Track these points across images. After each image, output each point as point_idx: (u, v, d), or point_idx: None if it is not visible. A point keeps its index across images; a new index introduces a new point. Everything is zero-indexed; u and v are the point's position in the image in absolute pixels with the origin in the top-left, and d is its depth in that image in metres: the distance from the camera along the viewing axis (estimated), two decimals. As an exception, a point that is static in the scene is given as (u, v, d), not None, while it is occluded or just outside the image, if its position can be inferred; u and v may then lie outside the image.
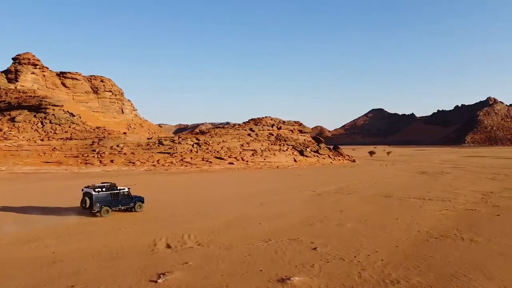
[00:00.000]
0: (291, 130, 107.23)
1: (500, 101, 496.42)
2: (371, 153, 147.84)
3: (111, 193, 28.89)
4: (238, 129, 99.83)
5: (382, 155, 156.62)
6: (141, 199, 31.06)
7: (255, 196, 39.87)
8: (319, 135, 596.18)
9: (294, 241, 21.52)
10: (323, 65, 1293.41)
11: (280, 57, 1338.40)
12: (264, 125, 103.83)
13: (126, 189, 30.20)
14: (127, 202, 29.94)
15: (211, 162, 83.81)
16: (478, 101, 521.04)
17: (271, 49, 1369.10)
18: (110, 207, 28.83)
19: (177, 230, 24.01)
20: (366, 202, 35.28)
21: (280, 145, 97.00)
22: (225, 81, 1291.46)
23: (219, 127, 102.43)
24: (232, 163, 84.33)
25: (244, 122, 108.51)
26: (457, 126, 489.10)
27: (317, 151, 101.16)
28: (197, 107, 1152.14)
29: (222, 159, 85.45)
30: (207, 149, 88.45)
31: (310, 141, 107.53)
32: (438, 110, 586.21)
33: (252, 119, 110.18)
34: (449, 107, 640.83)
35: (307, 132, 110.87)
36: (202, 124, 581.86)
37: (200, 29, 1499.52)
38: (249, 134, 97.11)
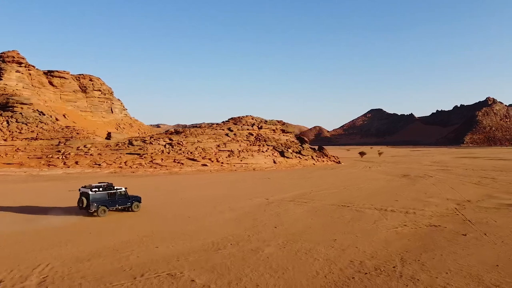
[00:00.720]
0: (273, 130, 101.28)
1: (499, 101, 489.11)
2: (362, 153, 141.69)
3: (108, 192, 28.53)
4: (216, 129, 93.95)
5: (373, 156, 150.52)
6: (138, 199, 30.71)
7: (194, 205, 34.05)
8: (318, 135, 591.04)
9: (171, 277, 15.62)
10: (323, 65, 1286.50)
11: (280, 58, 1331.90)
12: (244, 125, 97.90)
13: (123, 189, 29.78)
14: (124, 202, 29.61)
15: (182, 163, 78.04)
16: (477, 102, 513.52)
17: (270, 50, 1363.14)
18: (107, 207, 28.47)
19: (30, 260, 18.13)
20: (315, 214, 29.37)
21: (259, 145, 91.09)
22: (225, 81, 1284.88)
23: (196, 126, 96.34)
24: (206, 165, 78.51)
25: (223, 121, 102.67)
26: (456, 126, 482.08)
27: (299, 152, 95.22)
28: (197, 107, 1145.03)
29: (195, 160, 79.64)
30: (180, 149, 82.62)
31: (293, 141, 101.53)
32: (437, 110, 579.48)
33: (231, 118, 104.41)
34: (448, 107, 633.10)
35: (290, 132, 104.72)
36: (201, 123, 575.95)
37: (201, 28, 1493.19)
38: (227, 134, 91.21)
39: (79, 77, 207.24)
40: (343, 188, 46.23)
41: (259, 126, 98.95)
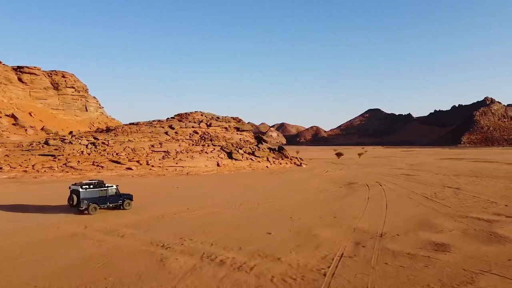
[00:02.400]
0: (225, 128, 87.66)
1: (498, 101, 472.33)
2: (339, 154, 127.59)
3: (99, 190, 27.97)
4: (155, 126, 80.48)
5: (353, 156, 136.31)
6: (130, 197, 30.09)
7: None
8: (315, 135, 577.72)
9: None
10: (321, 65, 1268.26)
11: (278, 58, 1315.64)
12: (190, 122, 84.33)
13: (115, 187, 29.26)
14: (115, 200, 29.07)
15: (102, 167, 64.61)
16: (475, 101, 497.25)
17: (269, 50, 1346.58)
18: (98, 205, 27.92)
19: None
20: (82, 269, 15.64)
21: (204, 145, 77.59)
22: (223, 81, 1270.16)
23: (133, 124, 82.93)
24: (130, 168, 65.10)
25: (168, 118, 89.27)
26: (454, 126, 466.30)
27: (252, 153, 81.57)
28: (196, 107, 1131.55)
29: (119, 163, 66.23)
30: (104, 150, 69.17)
31: (247, 141, 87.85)
32: (435, 110, 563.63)
33: (178, 114, 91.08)
34: (447, 107, 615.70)
35: (246, 130, 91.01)
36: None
37: (198, 28, 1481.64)
38: (166, 133, 77.73)
39: (51, 74, 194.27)
40: (239, 205, 32.74)
41: (208, 124, 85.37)
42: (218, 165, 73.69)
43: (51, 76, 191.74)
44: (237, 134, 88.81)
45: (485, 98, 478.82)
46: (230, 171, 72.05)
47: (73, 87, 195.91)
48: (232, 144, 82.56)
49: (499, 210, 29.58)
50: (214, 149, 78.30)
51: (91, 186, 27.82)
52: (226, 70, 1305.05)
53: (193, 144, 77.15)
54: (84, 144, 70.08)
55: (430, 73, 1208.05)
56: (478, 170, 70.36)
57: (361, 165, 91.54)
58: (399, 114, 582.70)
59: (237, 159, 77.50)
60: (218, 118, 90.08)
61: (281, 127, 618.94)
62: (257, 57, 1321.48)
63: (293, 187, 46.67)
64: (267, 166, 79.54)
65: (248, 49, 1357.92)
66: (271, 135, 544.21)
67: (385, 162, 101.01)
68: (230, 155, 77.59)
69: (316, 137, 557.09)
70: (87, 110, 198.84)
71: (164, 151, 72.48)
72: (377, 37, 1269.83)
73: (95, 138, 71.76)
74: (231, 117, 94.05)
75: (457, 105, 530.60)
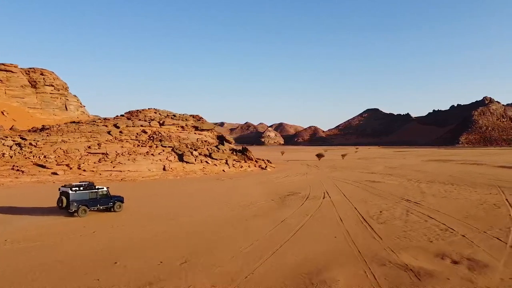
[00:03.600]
0: (182, 127, 77.83)
1: (497, 101, 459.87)
2: (319, 156, 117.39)
3: (89, 192, 27.39)
4: (97, 125, 70.66)
5: (337, 158, 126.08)
6: (120, 199, 29.46)
7: None
8: (313, 136, 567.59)
9: None
10: (320, 65, 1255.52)
11: (277, 58, 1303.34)
12: (140, 120, 74.50)
13: (105, 188, 28.62)
14: (105, 202, 28.40)
15: (23, 171, 55.09)
16: (474, 101, 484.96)
17: (267, 51, 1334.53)
18: (88, 207, 27.29)
19: None
20: None
21: (151, 147, 67.74)
22: (222, 81, 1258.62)
23: (74, 122, 73.12)
24: (56, 173, 55.46)
25: (116, 116, 79.53)
26: (452, 126, 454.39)
27: (209, 155, 71.64)
28: (191, 108, 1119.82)
29: (45, 167, 56.50)
30: (31, 152, 59.43)
31: (205, 141, 77.94)
32: (433, 110, 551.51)
33: (128, 112, 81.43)
34: (445, 107, 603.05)
35: (207, 130, 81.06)
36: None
37: (196, 28, 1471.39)
38: (109, 132, 67.87)
39: (29, 71, 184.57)
40: (92, 232, 22.70)
41: (161, 122, 75.52)
42: (164, 169, 63.91)
43: (29, 74, 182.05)
44: (195, 133, 78.94)
45: (484, 97, 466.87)
46: (177, 176, 62.26)
47: (52, 85, 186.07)
48: (186, 145, 72.72)
49: (448, 247, 19.68)
50: (163, 150, 68.49)
51: (81, 188, 27.05)
52: (225, 71, 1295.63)
53: (138, 145, 67.35)
54: (8, 145, 60.34)
55: (429, 73, 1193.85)
56: (459, 176, 60.19)
57: (334, 168, 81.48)
58: (397, 114, 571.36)
59: (188, 162, 67.68)
60: (174, 116, 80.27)
61: (279, 127, 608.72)
62: (256, 57, 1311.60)
63: (218, 199, 36.92)
64: (223, 170, 69.61)
65: (247, 49, 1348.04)
66: (268, 135, 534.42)
67: (364, 165, 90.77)
68: (181, 158, 67.72)
69: (314, 137, 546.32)
70: (67, 109, 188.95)
71: (103, 153, 62.73)
72: (376, 37, 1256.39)
73: (22, 138, 62.09)
74: (191, 115, 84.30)
75: (455, 105, 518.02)
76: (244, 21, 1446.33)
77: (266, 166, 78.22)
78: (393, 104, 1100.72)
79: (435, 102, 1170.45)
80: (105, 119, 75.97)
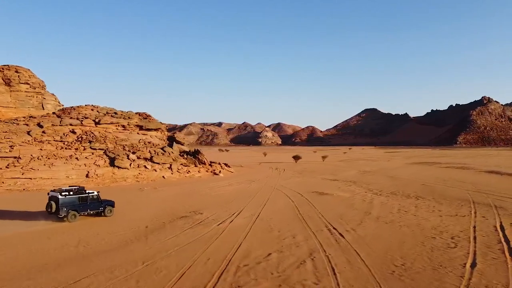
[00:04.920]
0: (123, 126, 67.19)
1: (495, 101, 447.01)
2: (296, 157, 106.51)
3: (79, 197, 26.53)
4: (17, 124, 60.17)
5: (318, 160, 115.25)
6: (111, 203, 28.75)
7: None
8: (310, 136, 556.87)
9: None
10: (317, 65, 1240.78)
11: (272, 58, 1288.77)
12: (72, 118, 63.90)
13: (95, 193, 27.78)
14: (96, 206, 27.66)
15: None
16: (472, 101, 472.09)
17: (265, 51, 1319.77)
18: (78, 212, 26.48)
19: None
20: None
21: (77, 149, 57.14)
22: (219, 82, 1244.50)
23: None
24: None
25: (48, 114, 68.98)
26: (450, 126, 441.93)
27: (150, 159, 60.98)
28: (187, 108, 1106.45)
29: None
30: None
31: (150, 142, 67.28)
32: (432, 110, 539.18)
33: (61, 109, 71.15)
34: (444, 107, 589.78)
35: (153, 129, 70.36)
36: (191, 124, 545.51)
37: (193, 28, 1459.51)
38: (28, 132, 57.31)
39: (3, 69, 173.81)
40: None
41: (97, 121, 64.88)
42: (87, 176, 53.28)
43: (3, 71, 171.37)
44: (139, 134, 68.26)
45: (482, 97, 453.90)
46: (102, 184, 51.76)
47: (28, 83, 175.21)
48: (123, 147, 62.09)
49: None
50: (92, 153, 57.90)
51: (71, 193, 26.21)
52: (223, 71, 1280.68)
53: (62, 148, 56.79)
54: None
55: (427, 73, 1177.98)
56: (433, 184, 49.55)
57: (300, 173, 70.96)
58: (396, 114, 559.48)
59: (121, 167, 57.08)
60: (115, 113, 69.63)
61: (277, 127, 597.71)
62: (254, 58, 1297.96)
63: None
64: (163, 176, 59.04)
65: (245, 49, 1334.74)
66: (266, 135, 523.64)
67: (338, 169, 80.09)
68: (113, 162, 57.07)
69: (312, 137, 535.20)
70: (43, 108, 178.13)
71: (14, 157, 52.17)
72: (375, 37, 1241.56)
73: None
74: (137, 113, 73.79)
75: (454, 105, 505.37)
76: (243, 21, 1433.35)
77: (220, 171, 67.44)
78: (391, 104, 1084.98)
79: (433, 102, 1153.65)
80: (31, 117, 65.47)
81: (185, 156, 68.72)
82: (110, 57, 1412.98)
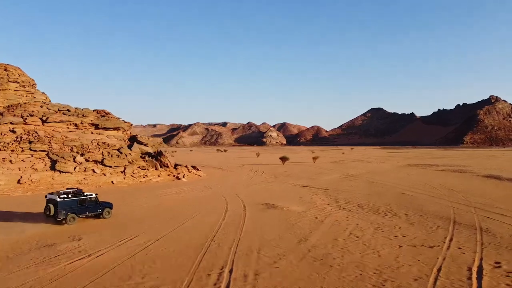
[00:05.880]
0: (75, 125, 59.86)
1: (503, 100, 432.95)
2: (284, 159, 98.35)
3: (77, 199, 26.09)
4: None
5: (309, 161, 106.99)
6: (109, 205, 28.33)
7: None
8: (315, 136, 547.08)
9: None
10: (322, 64, 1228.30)
11: (277, 58, 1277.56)
12: (15, 115, 56.67)
13: (94, 195, 27.40)
14: (94, 209, 27.20)
15: None
16: (480, 100, 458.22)
17: (268, 51, 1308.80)
18: (77, 214, 25.98)
19: None
20: None
21: (14, 150, 49.84)
22: (225, 83, 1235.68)
23: None
24: None
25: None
26: (456, 126, 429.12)
27: (101, 162, 53.42)
28: (193, 108, 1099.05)
29: None
30: None
31: (105, 143, 59.69)
32: (438, 109, 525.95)
33: (7, 106, 63.90)
34: (452, 106, 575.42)
35: (111, 128, 62.79)
36: (195, 124, 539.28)
37: (197, 30, 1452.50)
38: (-41, 132, 50.16)
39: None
40: None
41: (44, 119, 57.52)
42: (19, 181, 45.99)
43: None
44: (93, 133, 60.74)
45: (490, 96, 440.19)
46: (29, 191, 44.24)
47: (17, 82, 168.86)
48: (72, 148, 54.54)
49: None
50: (32, 155, 50.60)
51: (69, 195, 25.67)
52: (229, 71, 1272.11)
53: (-3, 149, 49.32)
54: None
55: (435, 72, 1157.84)
56: (416, 194, 40.89)
57: (276, 176, 63.22)
58: (401, 114, 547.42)
59: (63, 171, 49.54)
60: (68, 110, 62.33)
61: (282, 127, 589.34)
62: (260, 58, 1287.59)
63: None
64: (112, 182, 51.38)
65: (251, 50, 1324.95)
66: (270, 135, 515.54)
67: (323, 172, 72.17)
68: (54, 165, 49.62)
69: (317, 137, 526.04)
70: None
71: None
72: (381, 37, 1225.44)
73: None
74: (95, 110, 66.39)
75: (461, 104, 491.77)
76: (248, 21, 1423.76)
77: (184, 175, 59.62)
78: (397, 103, 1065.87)
79: (440, 101, 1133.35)
80: (-31, 115, 58.28)
81: (146, 159, 60.98)
82: (112, 57, 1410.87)
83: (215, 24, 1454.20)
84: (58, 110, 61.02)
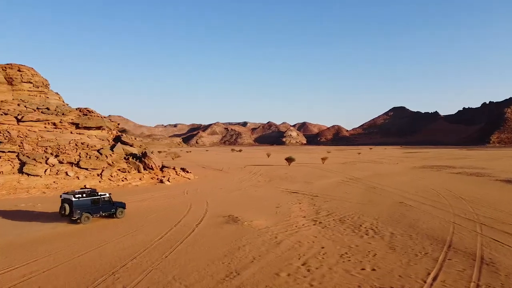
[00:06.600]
0: (53, 124, 55.94)
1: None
2: (289, 159, 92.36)
3: (91, 199, 26.34)
4: None
5: (318, 162, 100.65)
6: (122, 205, 28.37)
7: None
8: (336, 135, 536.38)
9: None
10: (343, 63, 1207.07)
11: (298, 58, 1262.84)
12: (-11, 115, 53.02)
13: (107, 195, 27.56)
14: (108, 208, 27.39)
15: None
16: (508, 98, 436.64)
17: (289, 51, 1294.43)
18: (91, 214, 26.24)
19: None
20: None
21: (-20, 152, 45.89)
22: (245, 83, 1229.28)
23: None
24: None
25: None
26: (481, 125, 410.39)
27: (77, 164, 49.05)
28: (214, 108, 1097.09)
29: None
30: None
31: (84, 143, 55.37)
32: (463, 108, 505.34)
33: None
34: (477, 104, 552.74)
35: (93, 128, 58.50)
36: (215, 123, 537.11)
37: (209, 31, 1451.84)
38: None
39: (5, 67, 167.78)
40: None
41: (20, 117, 53.73)
42: (-23, 185, 41.77)
43: (5, 70, 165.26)
44: (73, 133, 56.58)
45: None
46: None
47: (31, 82, 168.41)
48: (46, 149, 50.36)
49: None
50: (0, 157, 46.43)
51: (84, 195, 25.98)
52: (250, 73, 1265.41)
53: (-39, 151, 45.55)
54: None
55: (459, 69, 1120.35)
56: (412, 205, 34.46)
57: (272, 180, 57.84)
58: (425, 112, 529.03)
59: (32, 174, 45.29)
60: (48, 109, 58.52)
61: (302, 127, 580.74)
62: (281, 58, 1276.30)
63: None
64: (85, 186, 46.55)
65: (272, 51, 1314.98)
66: (290, 135, 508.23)
67: (325, 174, 66.06)
68: (22, 168, 45.48)
69: (337, 137, 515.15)
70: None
71: None
72: (404, 33, 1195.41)
73: None
74: (78, 108, 62.46)
75: (487, 102, 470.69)
76: (269, 22, 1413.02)
77: (168, 179, 54.59)
78: (420, 102, 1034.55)
79: (465, 99, 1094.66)
80: None
81: (130, 160, 56.27)
82: (133, 57, 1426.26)
83: (238, 26, 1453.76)
84: (37, 108, 57.08)
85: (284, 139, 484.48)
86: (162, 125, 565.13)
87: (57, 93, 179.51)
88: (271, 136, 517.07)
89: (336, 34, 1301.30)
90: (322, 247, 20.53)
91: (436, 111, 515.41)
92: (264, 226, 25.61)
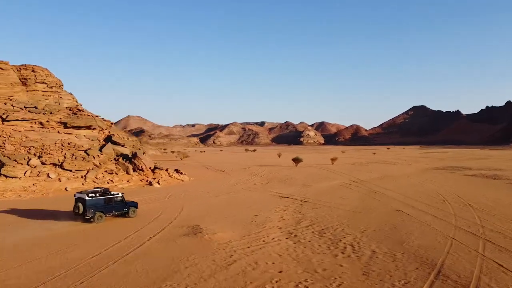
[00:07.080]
0: (40, 123, 53.64)
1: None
2: (296, 160, 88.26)
3: (104, 198, 26.41)
4: None
5: (326, 162, 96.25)
6: (135, 204, 28.50)
7: None
8: (354, 135, 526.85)
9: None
10: (362, 62, 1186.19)
11: (316, 57, 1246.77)
12: (-28, 115, 50.94)
13: (120, 194, 27.65)
14: (120, 208, 27.49)
15: None
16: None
17: (307, 50, 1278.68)
18: (104, 213, 26.32)
19: None
20: None
21: (-42, 153, 43.71)
22: (264, 82, 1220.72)
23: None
24: None
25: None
26: (505, 124, 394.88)
27: (60, 165, 46.52)
28: (232, 108, 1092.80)
29: None
30: None
31: (71, 143, 52.93)
32: (486, 107, 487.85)
33: None
34: (501, 103, 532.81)
35: (83, 127, 55.95)
36: (232, 123, 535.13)
37: (242, 30, 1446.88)
38: None
39: (20, 68, 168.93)
40: None
41: (4, 117, 51.58)
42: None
43: (20, 71, 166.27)
44: (60, 132, 54.10)
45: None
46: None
47: (45, 83, 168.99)
48: (29, 150, 47.92)
49: None
50: (-22, 159, 44.13)
51: (97, 194, 26.07)
52: (268, 72, 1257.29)
53: None
54: None
55: (483, 67, 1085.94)
56: (410, 214, 30.21)
57: (270, 182, 54.16)
58: (446, 111, 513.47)
59: (10, 176, 42.84)
60: (35, 107, 56.28)
61: (320, 126, 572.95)
62: (299, 58, 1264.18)
63: None
64: (66, 189, 44.02)
65: (290, 50, 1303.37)
66: (308, 135, 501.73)
67: (330, 175, 61.94)
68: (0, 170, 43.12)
69: (356, 136, 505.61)
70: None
71: None
72: (425, 31, 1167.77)
73: None
74: (67, 107, 60.15)
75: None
76: (284, 22, 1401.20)
77: (158, 181, 51.42)
78: (442, 100, 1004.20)
79: (489, 98, 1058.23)
80: None
81: (120, 161, 53.36)
82: (150, 57, 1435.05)
83: (253, 26, 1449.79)
84: (24, 107, 54.81)
85: (301, 139, 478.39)
86: (180, 125, 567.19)
87: (70, 93, 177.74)
88: (288, 136, 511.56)
89: (354, 35, 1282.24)
90: (280, 271, 16.62)
91: (458, 110, 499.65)
92: (227, 240, 21.83)
